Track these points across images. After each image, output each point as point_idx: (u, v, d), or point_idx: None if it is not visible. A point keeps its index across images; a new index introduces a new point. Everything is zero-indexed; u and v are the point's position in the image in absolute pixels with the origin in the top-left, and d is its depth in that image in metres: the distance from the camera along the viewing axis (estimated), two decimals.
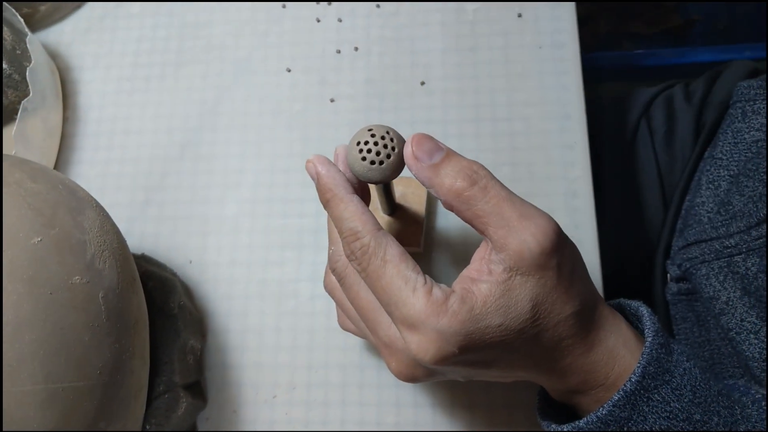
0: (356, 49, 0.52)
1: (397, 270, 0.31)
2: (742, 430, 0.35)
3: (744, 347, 0.44)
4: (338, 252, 0.34)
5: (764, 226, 0.45)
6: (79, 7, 0.55)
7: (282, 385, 0.45)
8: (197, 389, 0.44)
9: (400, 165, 0.34)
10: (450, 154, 0.32)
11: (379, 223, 0.32)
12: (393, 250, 0.31)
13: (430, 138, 0.32)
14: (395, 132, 0.34)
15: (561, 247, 0.31)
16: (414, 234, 0.45)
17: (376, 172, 0.34)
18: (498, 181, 0.32)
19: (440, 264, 0.46)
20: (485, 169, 0.32)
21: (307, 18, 0.53)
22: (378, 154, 0.33)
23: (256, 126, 0.51)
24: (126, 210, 0.49)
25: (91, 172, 0.51)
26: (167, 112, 0.52)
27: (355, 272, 0.34)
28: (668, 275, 0.54)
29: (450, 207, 0.32)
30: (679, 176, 0.57)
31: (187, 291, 0.46)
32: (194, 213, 0.49)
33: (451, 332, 0.30)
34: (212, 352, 0.46)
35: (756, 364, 0.43)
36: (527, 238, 0.30)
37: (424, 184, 0.33)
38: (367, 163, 0.33)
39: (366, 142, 0.33)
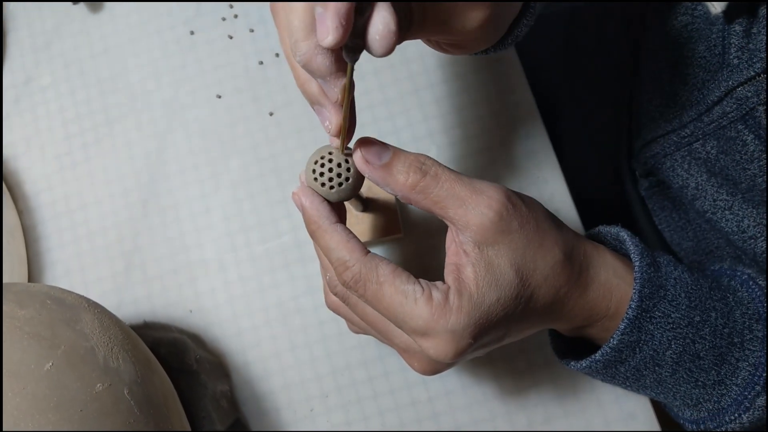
0: (277, 55, 0.51)
1: (394, 287, 0.32)
2: (738, 315, 0.38)
3: (722, 224, 0.47)
4: (335, 277, 0.35)
5: (714, 111, 0.46)
6: None
7: (315, 397, 0.47)
8: (239, 426, 0.46)
9: (360, 180, 0.35)
10: (396, 151, 0.34)
11: (365, 248, 0.33)
12: (384, 269, 0.33)
13: (375, 140, 0.34)
14: (347, 149, 0.35)
15: (517, 208, 0.34)
16: (392, 222, 0.46)
17: (339, 194, 0.35)
18: (445, 166, 0.34)
19: (424, 241, 0.48)
20: (431, 158, 0.34)
21: (218, 38, 0.52)
22: (339, 175, 0.34)
23: (206, 161, 0.51)
24: (111, 282, 0.50)
25: (64, 256, 0.51)
26: (115, 175, 0.51)
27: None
28: (636, 173, 0.56)
29: (408, 200, 0.34)
30: (620, 76, 0.58)
31: (198, 341, 0.48)
32: (177, 264, 0.49)
33: (461, 327, 0.32)
34: (241, 387, 0.48)
35: (736, 236, 0.46)
36: (484, 210, 0.33)
37: (378, 184, 0.34)
38: (326, 188, 0.34)
39: (321, 173, 0.34)
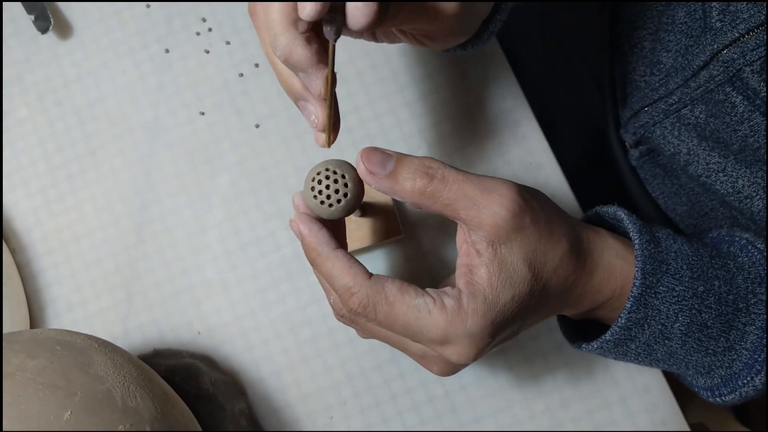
0: (257, 65, 0.50)
1: (406, 305, 0.32)
2: (740, 280, 0.38)
3: (717, 186, 0.47)
4: (339, 302, 0.35)
5: (700, 76, 0.46)
6: None
7: (333, 405, 0.47)
8: None
9: (359, 195, 0.35)
10: (400, 157, 0.33)
11: (368, 271, 0.33)
12: (391, 288, 0.33)
13: (377, 149, 0.33)
14: (343, 163, 0.34)
15: (528, 203, 0.33)
16: (391, 224, 0.46)
17: (342, 209, 0.34)
18: (452, 166, 0.33)
19: (426, 240, 0.47)
20: (436, 160, 0.33)
21: (194, 54, 0.51)
22: (336, 192, 0.34)
23: (194, 181, 0.50)
24: (114, 312, 0.49)
25: (63, 291, 0.50)
26: (104, 204, 0.50)
27: None
28: (626, 144, 0.56)
29: (417, 205, 0.33)
30: (600, 48, 0.58)
31: (210, 362, 0.48)
32: (179, 288, 0.49)
33: (479, 329, 0.32)
34: (258, 403, 0.48)
35: (731, 197, 0.46)
36: (496, 210, 0.32)
37: (386, 194, 0.34)
38: (326, 206, 0.34)
39: (319, 190, 0.34)
